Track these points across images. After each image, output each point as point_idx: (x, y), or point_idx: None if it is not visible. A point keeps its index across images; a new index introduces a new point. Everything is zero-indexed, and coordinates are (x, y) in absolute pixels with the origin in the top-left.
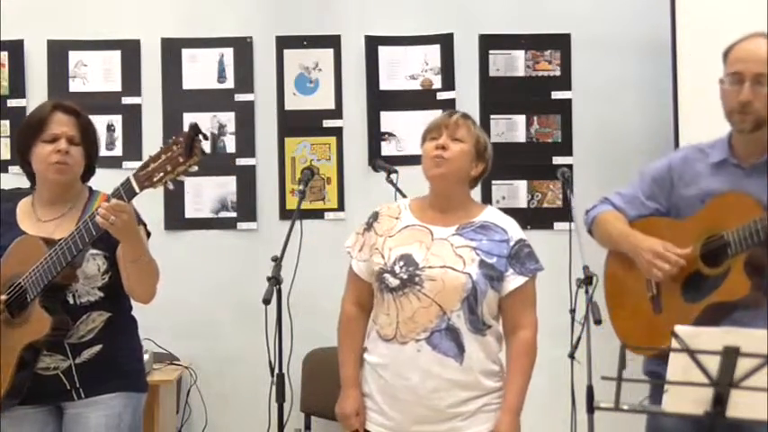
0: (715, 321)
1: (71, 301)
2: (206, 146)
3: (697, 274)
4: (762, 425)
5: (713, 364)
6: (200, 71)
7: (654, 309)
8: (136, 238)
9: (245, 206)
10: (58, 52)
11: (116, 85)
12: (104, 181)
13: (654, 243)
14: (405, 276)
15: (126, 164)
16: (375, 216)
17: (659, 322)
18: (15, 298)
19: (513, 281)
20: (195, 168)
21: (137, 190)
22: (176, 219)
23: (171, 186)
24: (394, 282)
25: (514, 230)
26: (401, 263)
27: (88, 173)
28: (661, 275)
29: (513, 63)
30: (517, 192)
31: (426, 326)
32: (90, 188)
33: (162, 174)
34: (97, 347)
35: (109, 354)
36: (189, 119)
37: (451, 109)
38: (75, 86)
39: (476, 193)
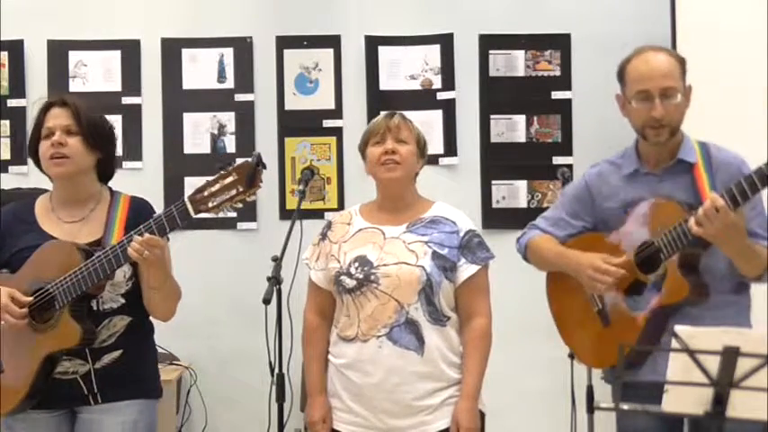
0: (663, 323)
1: (94, 307)
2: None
3: (637, 282)
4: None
5: (713, 364)
6: (200, 71)
7: (602, 322)
8: (163, 270)
9: (245, 206)
10: (58, 52)
11: (116, 85)
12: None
13: (592, 258)
14: (361, 276)
15: (126, 164)
16: (329, 225)
17: (609, 334)
18: (41, 303)
19: (466, 270)
20: (254, 198)
21: (192, 213)
22: None
23: (224, 212)
24: (350, 283)
25: (464, 222)
26: (356, 264)
27: (105, 171)
28: (605, 288)
29: (513, 63)
30: (517, 192)
31: (386, 322)
32: (110, 189)
33: (220, 200)
34: (117, 353)
35: (128, 359)
36: (189, 119)
37: (452, 109)
38: (75, 86)
39: (476, 194)
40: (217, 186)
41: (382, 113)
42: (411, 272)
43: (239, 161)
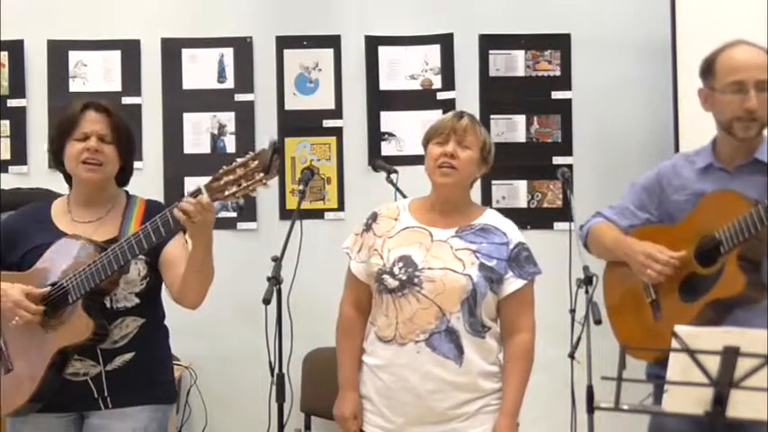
0: (715, 320)
1: (107, 305)
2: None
3: (693, 275)
4: (761, 425)
5: (713, 364)
6: (200, 71)
7: (654, 314)
8: (209, 242)
9: (245, 206)
10: (58, 52)
11: (116, 85)
12: None
13: (646, 245)
14: (404, 277)
15: None
16: (374, 217)
17: (660, 327)
18: (55, 298)
19: (513, 284)
20: (268, 186)
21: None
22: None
23: (242, 201)
24: (393, 283)
25: (514, 233)
26: (400, 264)
27: (124, 176)
28: (654, 275)
29: (513, 63)
30: (517, 192)
31: (425, 327)
32: (127, 192)
33: (236, 188)
34: (129, 355)
35: (141, 362)
36: (189, 119)
37: (452, 109)
38: (75, 86)
39: (476, 194)
40: (234, 175)
41: (451, 113)
42: (457, 280)
43: (257, 150)
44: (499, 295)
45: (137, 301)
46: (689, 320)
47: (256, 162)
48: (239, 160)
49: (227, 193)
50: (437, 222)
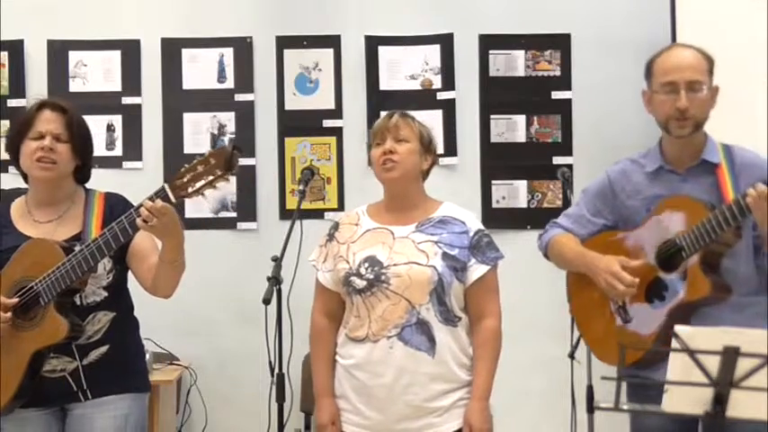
0: (682, 320)
1: (77, 302)
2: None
3: (657, 280)
4: (760, 424)
5: (713, 364)
6: (200, 71)
7: (622, 319)
8: (178, 239)
9: (245, 206)
10: (58, 52)
11: (116, 85)
12: (104, 181)
13: (609, 262)
14: (371, 276)
15: (126, 164)
16: (335, 226)
17: (628, 332)
18: (26, 301)
19: (477, 270)
20: (229, 181)
21: (172, 200)
22: None
23: (204, 196)
24: (361, 283)
25: (472, 222)
26: (366, 264)
27: (82, 174)
28: (620, 294)
29: (513, 63)
30: (517, 192)
31: (396, 322)
32: (85, 188)
33: (199, 184)
34: (104, 348)
35: (115, 354)
36: (189, 119)
37: (452, 109)
38: (75, 86)
39: (476, 194)
40: (194, 172)
41: (383, 113)
42: (422, 272)
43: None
44: (465, 283)
45: (105, 294)
46: (658, 323)
47: (216, 158)
48: (199, 158)
49: (190, 189)
50: (396, 221)
